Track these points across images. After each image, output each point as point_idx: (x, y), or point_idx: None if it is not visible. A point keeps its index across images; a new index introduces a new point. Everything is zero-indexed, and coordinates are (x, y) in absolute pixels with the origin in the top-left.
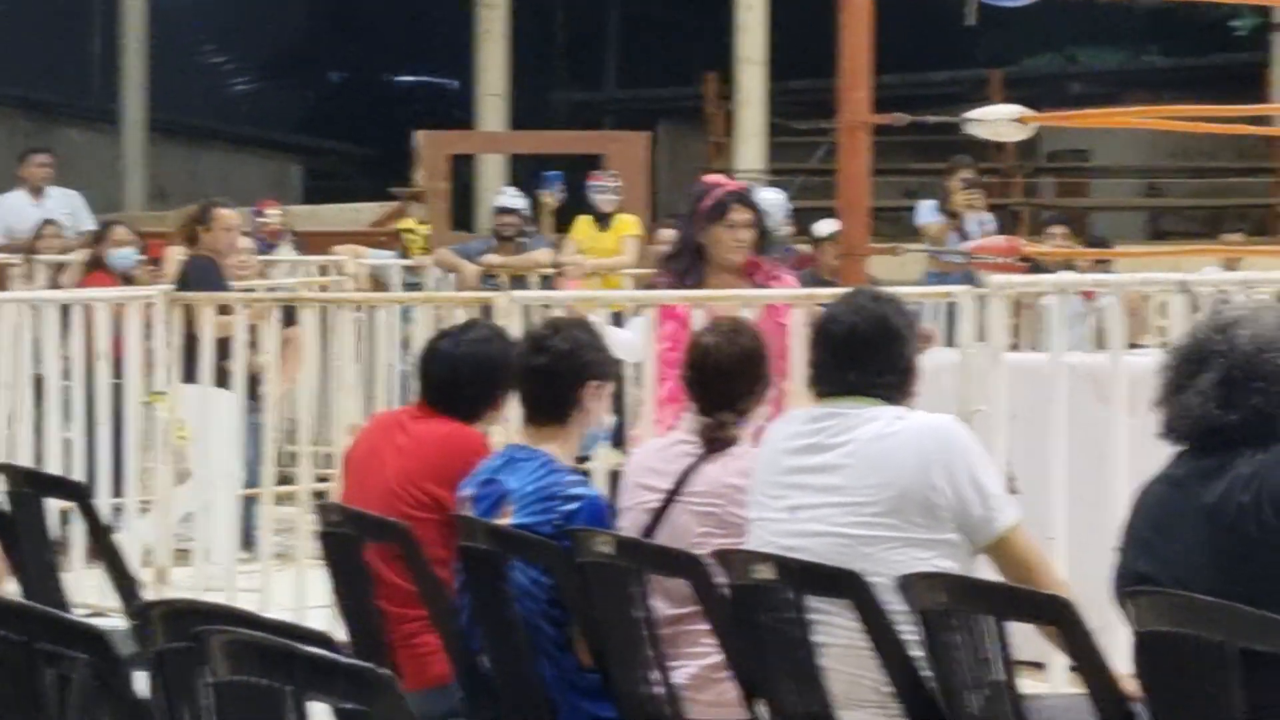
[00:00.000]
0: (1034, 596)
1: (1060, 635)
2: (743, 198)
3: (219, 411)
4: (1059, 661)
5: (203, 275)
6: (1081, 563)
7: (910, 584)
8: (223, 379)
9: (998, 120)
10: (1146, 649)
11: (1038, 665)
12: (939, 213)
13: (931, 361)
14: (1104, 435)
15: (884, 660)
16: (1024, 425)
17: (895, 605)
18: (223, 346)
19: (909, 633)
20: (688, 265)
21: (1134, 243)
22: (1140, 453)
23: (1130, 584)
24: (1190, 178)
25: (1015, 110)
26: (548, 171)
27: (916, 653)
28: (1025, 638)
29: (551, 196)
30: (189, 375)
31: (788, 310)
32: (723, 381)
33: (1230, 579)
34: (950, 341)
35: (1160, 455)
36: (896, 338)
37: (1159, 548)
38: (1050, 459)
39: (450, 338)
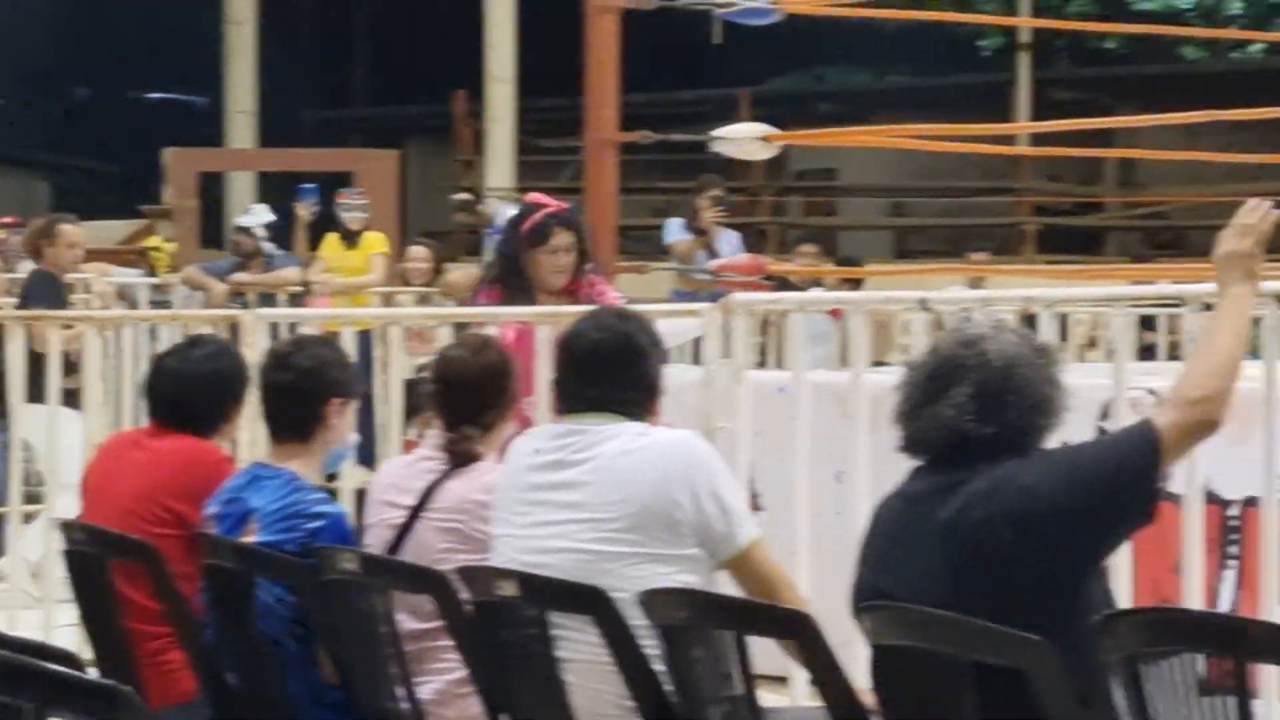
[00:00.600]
0: (774, 611)
1: (800, 649)
2: (565, 220)
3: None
4: (800, 676)
5: (42, 290)
6: (823, 578)
7: (652, 599)
8: (67, 398)
9: (743, 138)
10: (883, 662)
11: (779, 679)
12: (687, 230)
13: (676, 379)
14: (846, 452)
15: (626, 675)
16: (768, 442)
17: (637, 620)
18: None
19: (651, 647)
20: (516, 288)
21: (881, 261)
22: (881, 470)
23: (867, 598)
24: (936, 197)
25: (760, 128)
26: (303, 185)
27: (658, 667)
28: (767, 652)
29: (306, 209)
30: (34, 395)
31: None
32: (467, 396)
33: (965, 594)
34: (695, 359)
35: (901, 471)
36: (640, 354)
37: (896, 563)
38: (793, 475)
39: (176, 355)
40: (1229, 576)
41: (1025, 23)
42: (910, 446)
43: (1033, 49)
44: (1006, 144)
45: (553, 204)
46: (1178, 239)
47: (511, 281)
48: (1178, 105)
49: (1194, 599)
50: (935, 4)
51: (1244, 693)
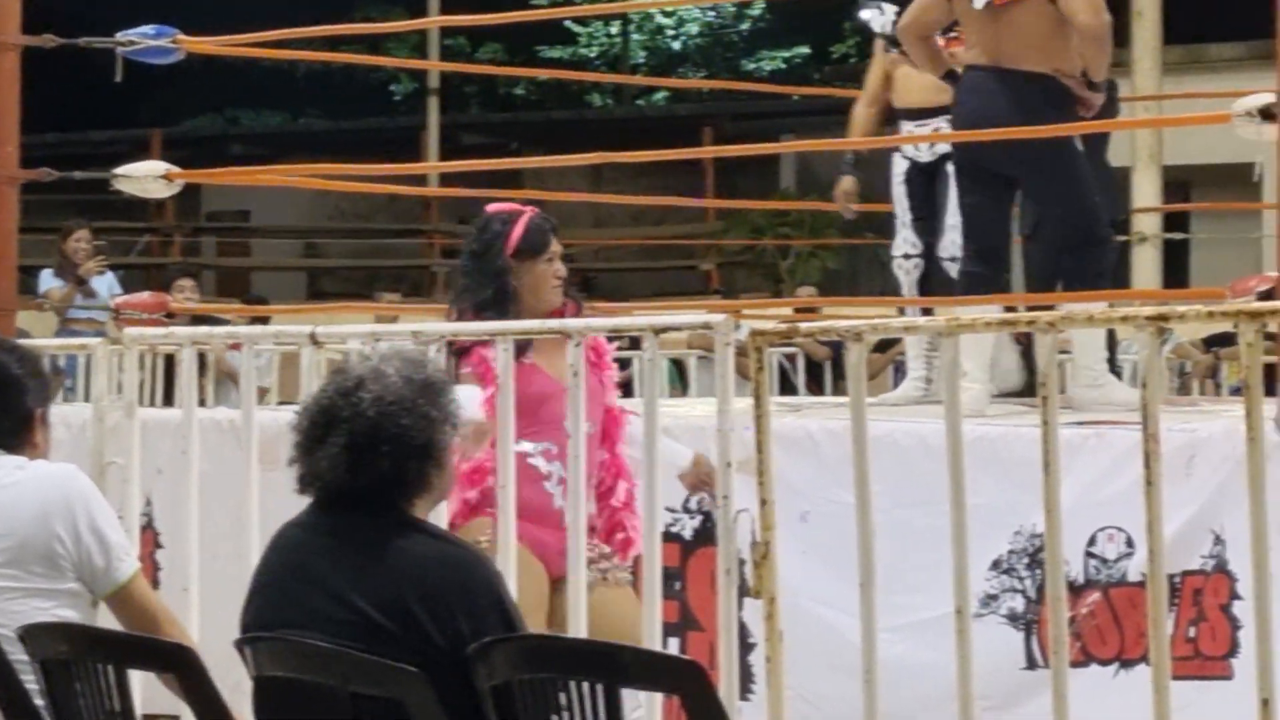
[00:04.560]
0: (155, 645)
1: (181, 683)
2: (553, 224)
3: None
4: (189, 712)
5: None
6: (223, 615)
7: (31, 634)
8: None
9: (145, 177)
10: (265, 693)
11: (173, 718)
12: (58, 277)
13: (79, 415)
14: (243, 489)
15: (7, 712)
16: (171, 479)
17: (18, 656)
18: None
19: (32, 683)
20: (502, 309)
21: (295, 303)
22: (278, 507)
23: (260, 629)
24: (348, 239)
25: (161, 166)
26: None
27: (40, 703)
28: (159, 691)
29: None
30: None
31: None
32: None
33: (372, 633)
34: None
35: (297, 509)
36: (12, 384)
37: (290, 592)
38: (186, 511)
39: None
40: None
41: (434, 66)
42: (302, 488)
43: (443, 94)
44: (418, 185)
45: (520, 207)
46: (585, 281)
47: (503, 305)
48: (584, 150)
49: (580, 629)
50: (347, 48)
51: (616, 717)
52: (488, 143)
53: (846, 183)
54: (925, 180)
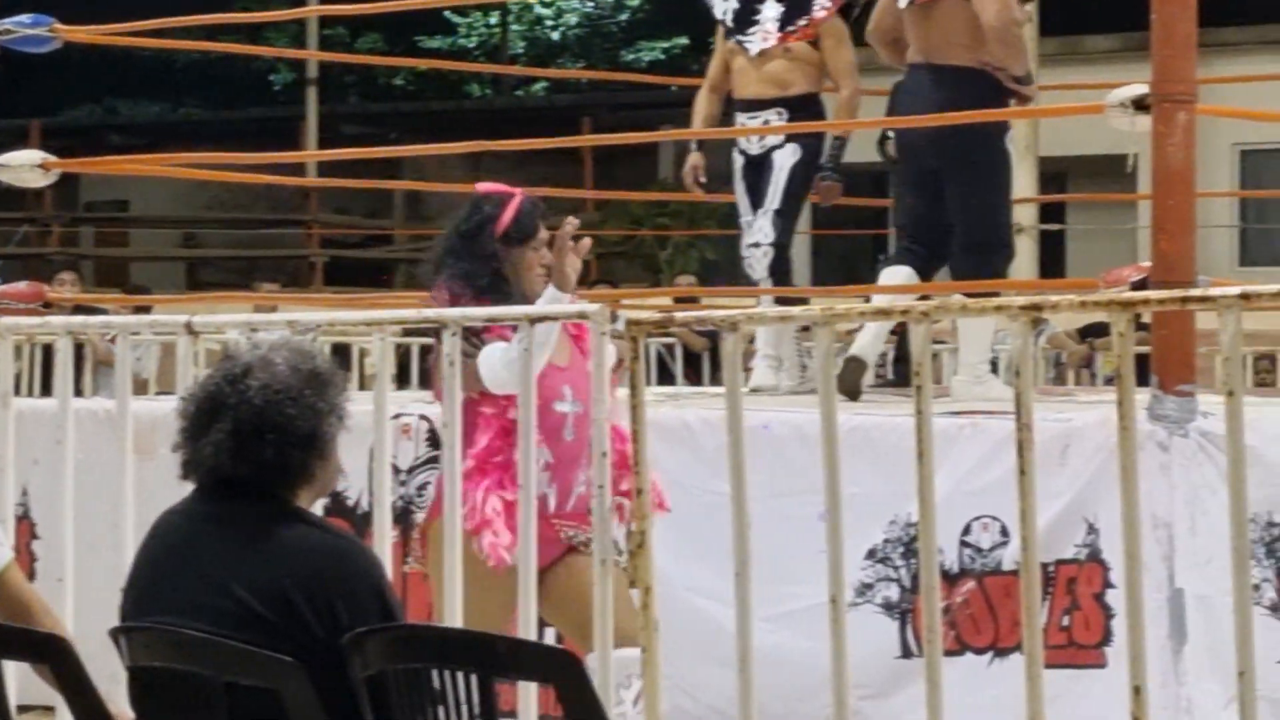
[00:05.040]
0: (28, 635)
1: (55, 673)
2: (544, 210)
3: None
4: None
5: None
6: (101, 606)
7: None
8: None
9: (22, 166)
10: (140, 683)
11: (48, 709)
12: None
13: None
14: (118, 479)
15: None
16: (48, 469)
17: None
18: None
19: None
20: (501, 293)
21: (174, 293)
22: (154, 497)
23: (135, 619)
24: (227, 229)
25: (37, 155)
26: None
27: None
28: (35, 681)
29: None
30: None
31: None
32: None
33: (248, 622)
34: None
35: (174, 499)
36: None
37: (169, 580)
38: (61, 501)
39: None
40: None
41: (314, 56)
42: (185, 474)
43: (322, 84)
44: (296, 175)
45: (511, 189)
46: None
47: (500, 290)
48: (463, 140)
49: (455, 619)
50: (226, 37)
51: (490, 707)
52: (367, 132)
53: (694, 158)
54: (756, 173)
